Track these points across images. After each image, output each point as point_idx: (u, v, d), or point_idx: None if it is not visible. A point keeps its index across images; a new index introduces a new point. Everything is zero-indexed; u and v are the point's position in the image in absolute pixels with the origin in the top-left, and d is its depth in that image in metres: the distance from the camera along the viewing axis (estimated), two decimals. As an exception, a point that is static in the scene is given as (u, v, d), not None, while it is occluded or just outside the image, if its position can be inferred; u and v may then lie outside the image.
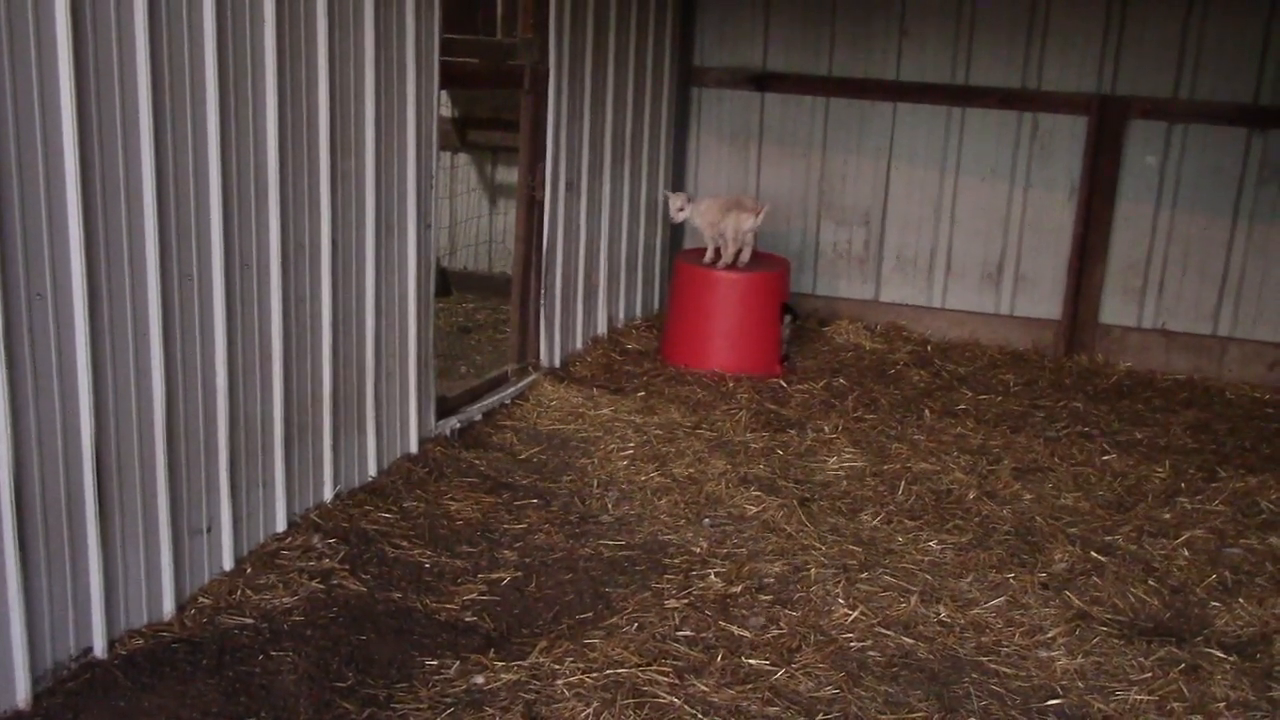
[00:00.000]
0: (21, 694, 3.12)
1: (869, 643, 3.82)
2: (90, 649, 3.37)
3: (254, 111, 3.84)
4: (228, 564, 3.94)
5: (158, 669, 3.36)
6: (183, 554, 3.71)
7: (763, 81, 7.79)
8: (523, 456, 5.27)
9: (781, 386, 6.44)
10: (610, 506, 4.80)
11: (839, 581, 4.18)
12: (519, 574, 4.17)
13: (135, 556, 3.51)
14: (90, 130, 3.17)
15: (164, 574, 3.62)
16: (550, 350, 6.42)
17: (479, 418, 5.62)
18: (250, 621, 3.66)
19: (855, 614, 3.97)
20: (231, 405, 3.87)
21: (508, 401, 5.89)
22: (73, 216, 3.13)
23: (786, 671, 3.60)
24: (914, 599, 4.10)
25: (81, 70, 3.12)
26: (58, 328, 3.14)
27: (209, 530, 3.85)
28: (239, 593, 3.82)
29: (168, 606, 3.64)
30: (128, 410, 3.43)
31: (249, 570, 3.95)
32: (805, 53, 7.69)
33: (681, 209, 6.76)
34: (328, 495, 4.50)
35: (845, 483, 5.14)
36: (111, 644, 3.42)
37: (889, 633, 3.89)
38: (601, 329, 7.05)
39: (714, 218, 6.64)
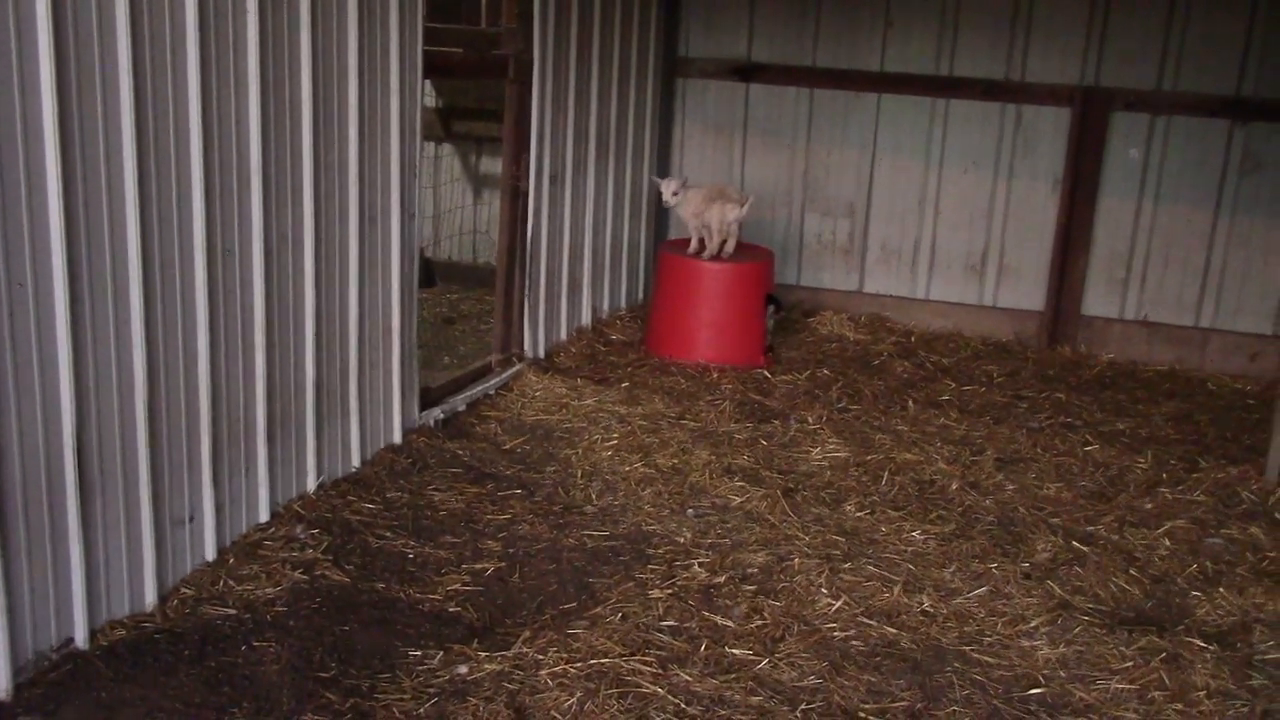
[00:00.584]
0: (2, 685, 3.11)
1: (852, 632, 3.84)
2: (71, 639, 3.35)
3: (236, 100, 3.82)
4: (210, 554, 3.92)
5: (140, 660, 3.35)
6: (165, 544, 3.70)
7: (747, 72, 7.79)
8: (506, 447, 5.27)
9: (765, 377, 6.44)
10: (594, 497, 4.80)
11: (822, 571, 4.19)
12: (502, 564, 4.17)
13: (117, 546, 3.49)
14: (71, 118, 3.15)
15: (146, 564, 3.60)
16: (534, 341, 6.41)
17: (463, 408, 5.61)
18: (233, 612, 3.65)
19: (838, 604, 3.99)
20: (214, 395, 3.86)
21: (491, 392, 5.88)
22: (53, 205, 3.11)
23: (770, 661, 3.61)
24: (897, 589, 4.11)
25: (62, 58, 3.09)
26: (38, 316, 3.12)
27: (191, 520, 3.83)
28: (221, 583, 3.80)
29: (150, 597, 3.63)
30: (109, 399, 3.41)
31: (231, 560, 3.94)
32: (790, 44, 7.69)
33: (676, 193, 6.65)
34: (311, 485, 4.48)
35: (829, 473, 5.16)
36: (93, 634, 3.41)
37: (872, 622, 3.90)
38: (586, 319, 7.04)
39: (698, 208, 6.62)
